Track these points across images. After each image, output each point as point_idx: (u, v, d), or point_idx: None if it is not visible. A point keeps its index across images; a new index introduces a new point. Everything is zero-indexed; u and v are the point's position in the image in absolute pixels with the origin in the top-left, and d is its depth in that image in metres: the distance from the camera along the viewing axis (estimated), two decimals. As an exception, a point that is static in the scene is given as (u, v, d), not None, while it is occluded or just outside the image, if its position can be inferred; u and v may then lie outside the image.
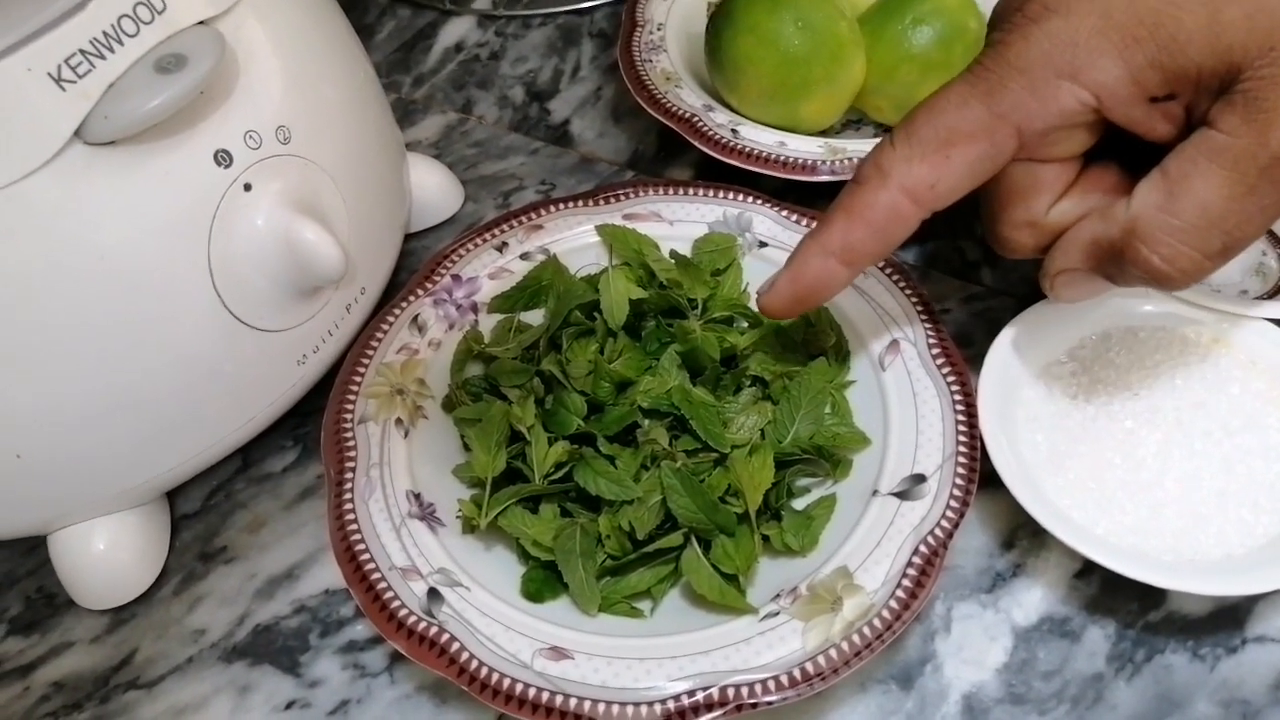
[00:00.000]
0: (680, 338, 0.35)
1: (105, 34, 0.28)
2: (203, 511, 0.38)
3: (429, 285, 0.39)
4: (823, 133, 0.43)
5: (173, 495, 0.38)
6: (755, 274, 0.39)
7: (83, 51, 0.28)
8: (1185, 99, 0.27)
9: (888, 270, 0.37)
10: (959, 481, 0.31)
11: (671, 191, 0.41)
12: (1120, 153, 0.30)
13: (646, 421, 0.34)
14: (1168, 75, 0.27)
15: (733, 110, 0.43)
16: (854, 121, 0.46)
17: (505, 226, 0.40)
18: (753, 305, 0.37)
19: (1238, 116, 0.26)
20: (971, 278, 0.42)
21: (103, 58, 0.28)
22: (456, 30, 0.55)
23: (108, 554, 0.35)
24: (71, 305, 0.29)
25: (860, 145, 0.40)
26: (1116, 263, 0.29)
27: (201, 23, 0.31)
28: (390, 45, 0.55)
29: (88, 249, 0.29)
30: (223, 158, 0.31)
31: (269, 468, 0.39)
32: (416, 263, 0.44)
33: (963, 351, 0.36)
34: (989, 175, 0.29)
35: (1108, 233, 0.29)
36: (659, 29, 0.46)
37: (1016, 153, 0.29)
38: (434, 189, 0.46)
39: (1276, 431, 0.33)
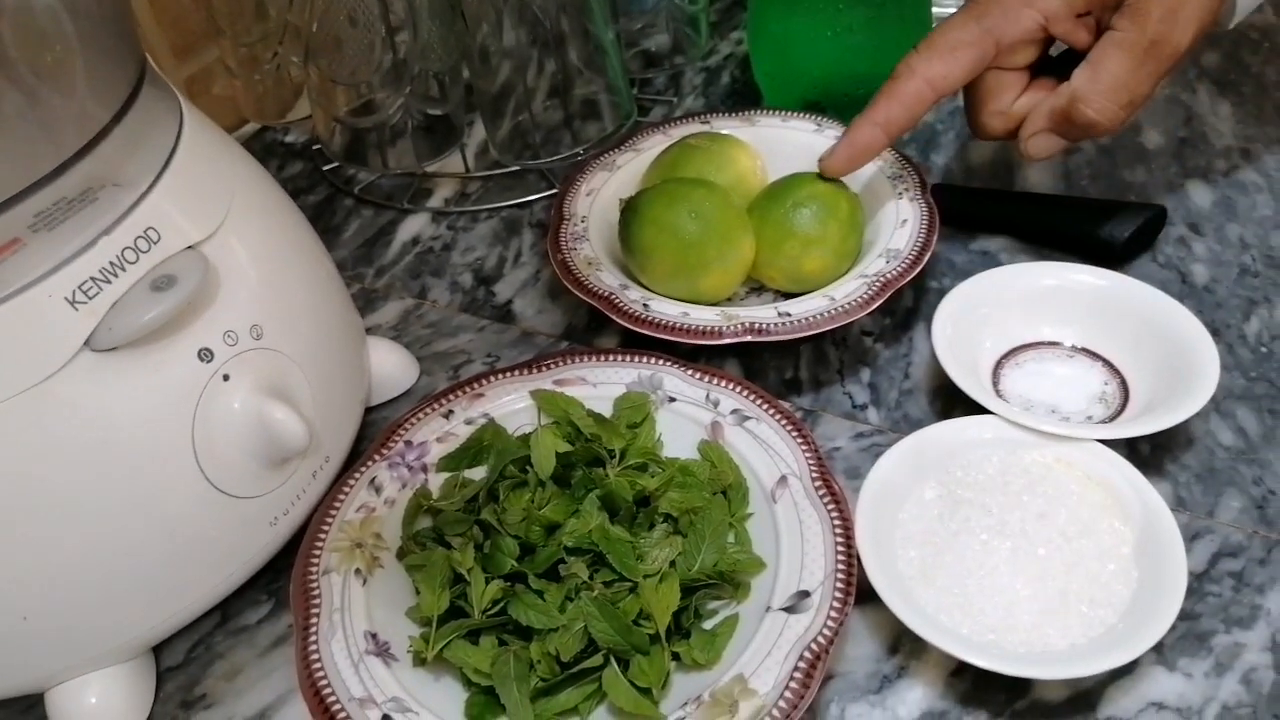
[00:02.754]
0: (599, 484, 0.41)
1: (112, 263, 0.35)
2: (185, 663, 0.42)
3: (384, 451, 0.44)
4: (726, 300, 0.50)
5: (158, 650, 0.42)
6: (666, 425, 0.45)
7: (93, 278, 0.35)
8: (1097, 14, 0.45)
9: (780, 419, 0.43)
10: (837, 595, 0.37)
11: (594, 359, 0.47)
12: (1051, 70, 0.48)
13: (571, 558, 0.39)
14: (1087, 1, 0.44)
15: (644, 287, 0.50)
16: (755, 289, 0.53)
17: (451, 396, 0.47)
18: (662, 454, 0.44)
19: (1126, 18, 0.43)
20: (859, 419, 0.48)
21: (109, 282, 0.35)
22: (413, 226, 0.63)
23: (99, 706, 0.39)
24: (77, 484, 0.35)
25: (751, 313, 0.47)
26: (1067, 121, 0.46)
27: (190, 246, 0.38)
28: (356, 241, 0.63)
29: (93, 436, 0.35)
30: (205, 354, 0.37)
31: (245, 620, 0.43)
32: (376, 431, 0.50)
33: (853, 482, 0.42)
34: (978, 72, 0.46)
35: (1059, 103, 0.46)
36: (582, 221, 0.54)
37: (995, 59, 0.46)
38: (392, 366, 0.52)
39: (1109, 536, 0.39)
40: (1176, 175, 0.58)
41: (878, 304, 0.47)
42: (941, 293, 0.52)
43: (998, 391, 0.47)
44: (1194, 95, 0.64)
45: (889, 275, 0.48)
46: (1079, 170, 0.60)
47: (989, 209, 0.56)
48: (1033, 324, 0.49)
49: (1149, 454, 0.44)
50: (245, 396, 0.38)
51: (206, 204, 0.40)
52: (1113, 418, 0.45)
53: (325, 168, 0.67)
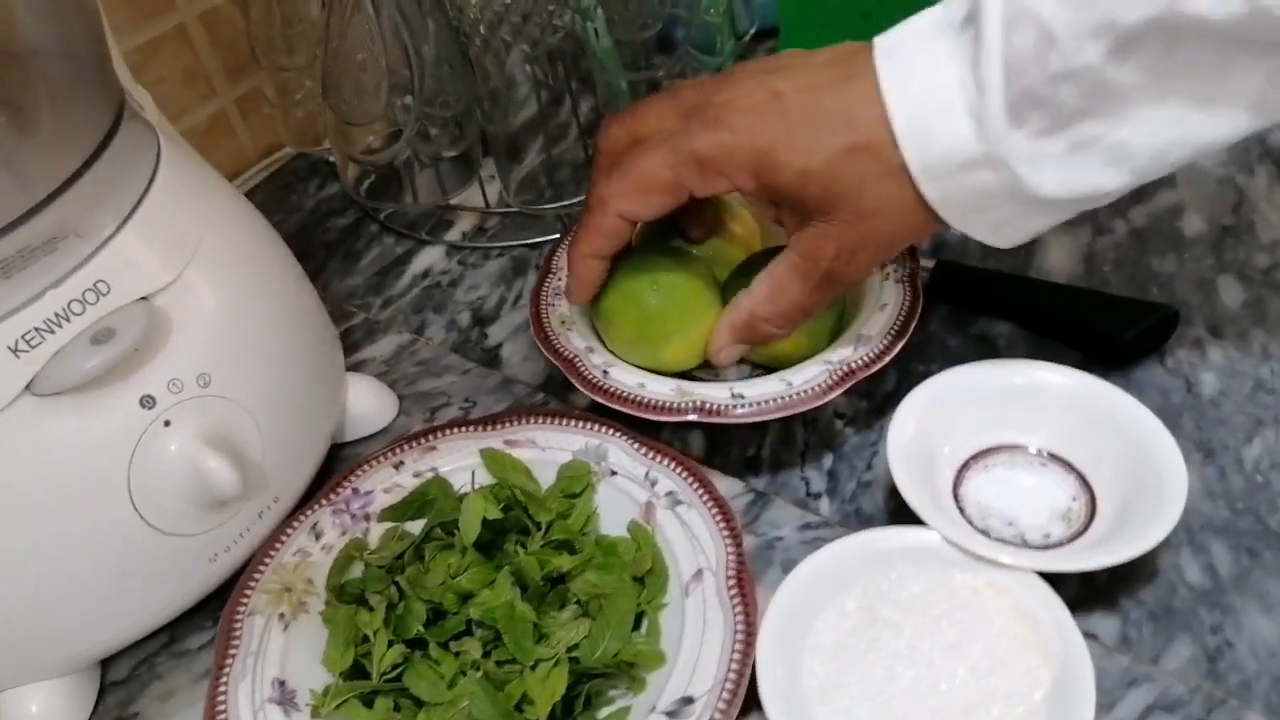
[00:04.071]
0: (513, 559, 0.41)
1: (57, 314, 0.37)
2: (127, 680, 0.45)
3: (331, 497, 0.46)
4: (687, 373, 0.50)
5: (106, 664, 0.45)
6: (605, 498, 0.45)
7: (37, 329, 0.37)
8: (786, 210, 0.44)
9: (711, 507, 0.43)
10: (720, 707, 0.36)
11: (547, 421, 0.48)
12: None
13: (477, 630, 0.40)
14: (774, 196, 0.42)
15: (610, 352, 0.50)
16: (734, 357, 0.52)
17: (404, 447, 0.48)
18: (590, 535, 0.44)
19: (802, 249, 0.43)
20: (810, 508, 0.47)
21: (52, 333, 0.37)
22: (428, 258, 0.65)
23: (39, 715, 0.42)
24: (18, 517, 0.38)
25: (706, 390, 0.46)
26: (750, 332, 0.46)
27: (143, 298, 0.40)
28: (372, 269, 0.65)
29: (33, 475, 0.38)
30: (147, 401, 0.40)
31: (188, 644, 0.46)
32: (344, 467, 0.52)
33: (787, 577, 0.41)
34: (670, 210, 0.44)
35: (739, 318, 0.46)
36: (567, 276, 0.54)
37: (686, 201, 0.44)
38: (370, 404, 0.54)
39: (1023, 677, 0.37)
40: (1210, 268, 0.54)
41: (835, 395, 0.45)
42: (926, 376, 0.51)
43: (957, 497, 0.45)
44: (1250, 178, 0.60)
45: (853, 364, 0.46)
46: (1103, 254, 0.56)
47: (994, 292, 0.54)
48: (1005, 426, 0.47)
49: (1104, 582, 0.42)
50: (183, 443, 0.40)
51: (169, 251, 0.42)
52: (1074, 537, 0.43)
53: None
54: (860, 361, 0.46)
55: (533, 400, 0.54)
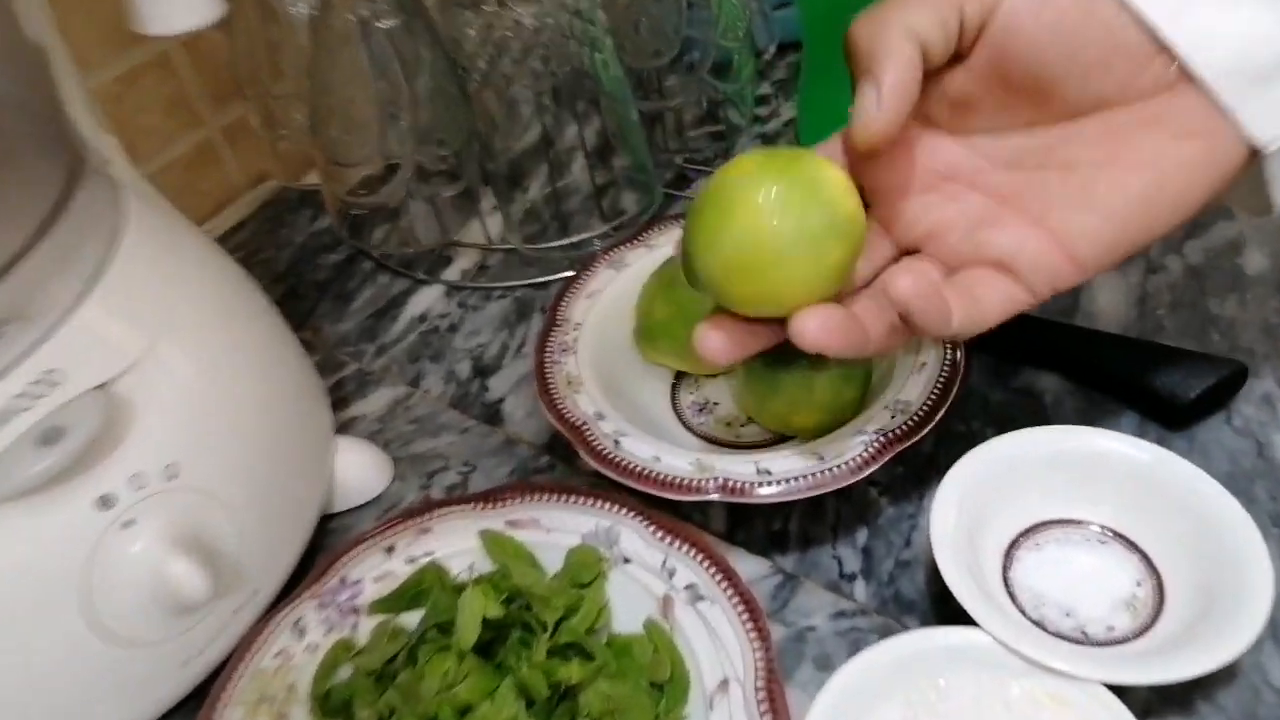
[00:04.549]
0: (517, 668, 0.37)
1: (1, 410, 0.33)
2: (97, 793, 0.41)
3: (317, 588, 0.42)
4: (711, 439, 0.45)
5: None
6: (618, 589, 0.41)
7: (-23, 428, 0.33)
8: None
9: (737, 603, 0.38)
10: None
11: (553, 498, 0.43)
12: None
13: (476, 751, 0.36)
14: None
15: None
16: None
17: (396, 528, 0.44)
18: (601, 632, 0.39)
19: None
20: (843, 592, 0.42)
21: (-5, 432, 0.33)
22: (425, 300, 0.60)
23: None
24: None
25: (730, 466, 0.42)
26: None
27: (100, 385, 0.36)
28: (365, 311, 0.60)
29: (-23, 586, 0.34)
30: (105, 501, 0.35)
31: (165, 750, 0.42)
32: (334, 543, 0.48)
33: (821, 674, 0.37)
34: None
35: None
36: (575, 329, 0.50)
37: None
38: (362, 470, 0.50)
39: (1093, 811, 0.33)
40: (1276, 312, 0.50)
41: (871, 470, 0.41)
42: (968, 439, 0.46)
43: (1007, 580, 0.41)
44: (1316, 208, 0.55)
45: (891, 435, 0.42)
46: (1157, 296, 0.52)
47: (1039, 342, 0.49)
48: (1058, 498, 0.42)
49: (1179, 685, 0.37)
50: (147, 545, 0.36)
51: (134, 326, 0.38)
52: (1141, 631, 0.38)
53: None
54: (899, 431, 0.42)
55: (537, 464, 0.50)
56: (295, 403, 0.45)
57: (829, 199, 0.35)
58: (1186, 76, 0.32)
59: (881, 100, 0.34)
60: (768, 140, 0.67)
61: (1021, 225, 0.35)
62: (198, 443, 0.38)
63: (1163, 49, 0.31)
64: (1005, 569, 0.41)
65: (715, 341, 0.37)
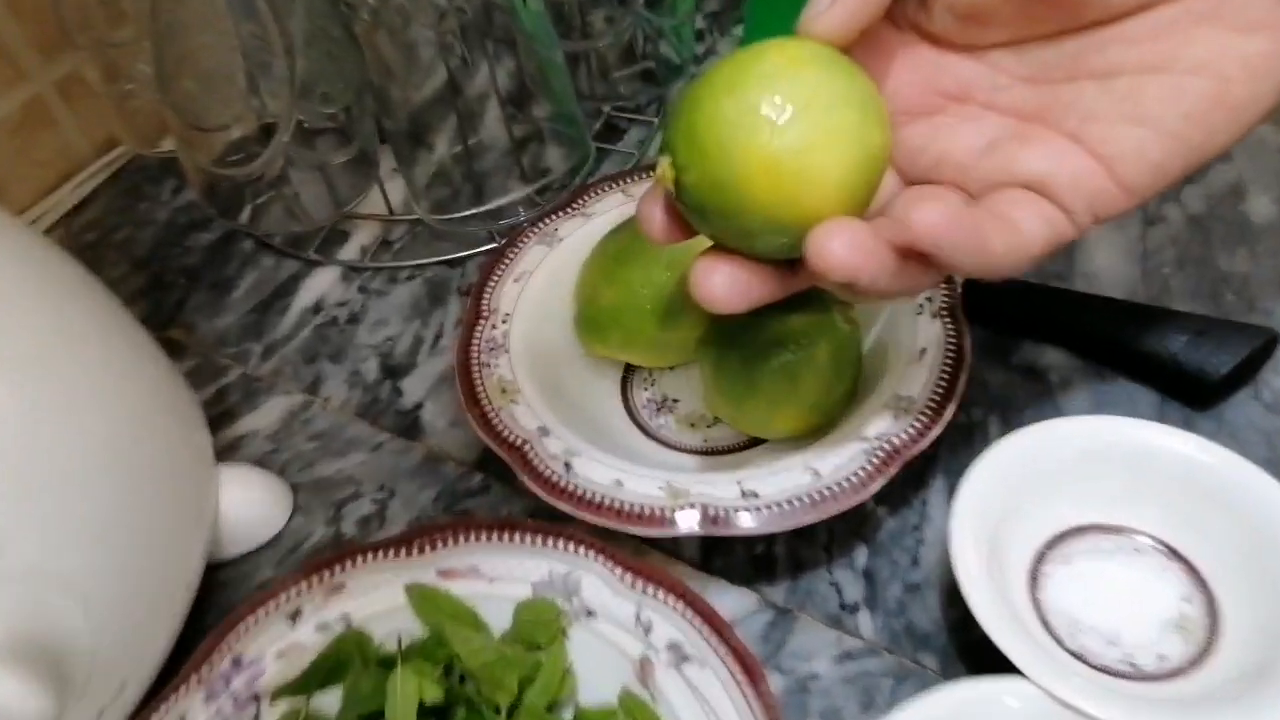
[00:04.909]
0: (467, 773, 0.30)
1: None
2: None
3: (204, 672, 0.33)
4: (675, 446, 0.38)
5: None
6: (582, 650, 0.33)
7: None
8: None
9: (730, 660, 0.32)
10: None
11: (494, 538, 0.35)
12: None
13: None
14: None
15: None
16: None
17: (301, 587, 0.35)
18: (565, 711, 0.32)
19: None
20: (847, 626, 0.36)
21: None
22: (319, 285, 0.51)
23: None
24: None
25: (708, 489, 0.35)
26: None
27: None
28: (246, 304, 0.51)
29: None
30: (-104, 609, 0.26)
31: None
32: (226, 598, 0.39)
33: None
34: None
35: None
36: (505, 320, 0.41)
37: None
38: (255, 505, 0.41)
39: None
40: (1292, 265, 0.45)
41: (879, 485, 0.34)
42: (968, 429, 0.40)
43: (1036, 601, 0.35)
44: (1318, 145, 0.50)
45: (897, 441, 0.35)
46: (1159, 251, 0.46)
47: (1039, 312, 0.43)
48: (1088, 501, 0.36)
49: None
50: (-38, 659, 0.27)
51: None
52: (1197, 659, 0.33)
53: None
54: (906, 436, 0.35)
55: (468, 485, 0.42)
56: (159, 432, 0.36)
57: (861, 76, 0.28)
58: None
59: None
60: (706, 82, 0.59)
61: (1056, 140, 0.29)
62: (21, 509, 0.29)
63: None
64: (1033, 589, 0.35)
65: (722, 281, 0.29)
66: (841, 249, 0.27)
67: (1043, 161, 0.29)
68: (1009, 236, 0.29)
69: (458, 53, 0.44)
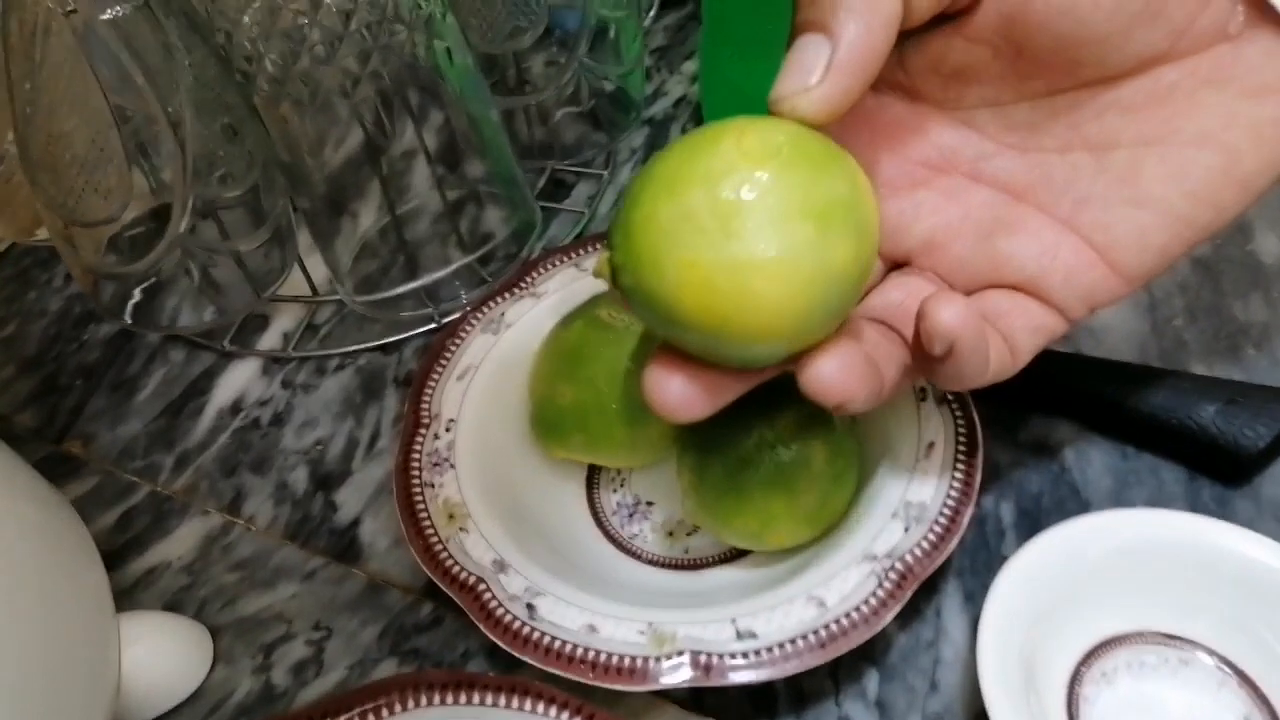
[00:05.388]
0: None
1: None
2: None
3: None
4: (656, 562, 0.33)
5: None
6: (559, 837, 0.28)
7: None
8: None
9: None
10: None
11: (449, 699, 0.30)
12: None
13: None
14: None
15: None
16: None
17: (222, 776, 0.29)
18: None
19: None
20: (864, 772, 0.31)
21: None
22: (236, 380, 0.45)
23: None
24: None
25: (696, 629, 0.30)
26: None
27: None
28: (153, 408, 0.45)
29: None
30: None
31: None
32: (136, 780, 0.33)
33: None
34: None
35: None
36: (448, 428, 0.36)
37: None
38: (168, 659, 0.35)
39: None
40: (1311, 311, 0.41)
41: (892, 613, 0.30)
42: (979, 521, 0.36)
43: (1076, 731, 0.30)
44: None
45: (910, 559, 0.30)
46: (1168, 300, 0.42)
47: (1047, 379, 0.39)
48: (1126, 608, 0.32)
49: None
50: None
51: None
52: (1261, 792, 0.29)
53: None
54: (920, 552, 0.30)
55: (416, 619, 0.36)
56: (40, 583, 0.30)
57: (838, 170, 0.23)
58: (1262, 13, 0.24)
59: (832, 66, 0.23)
60: (657, 128, 0.54)
61: (1047, 228, 0.27)
62: None
63: None
64: (1072, 716, 0.31)
65: (676, 390, 0.25)
66: (834, 376, 0.25)
67: (1033, 259, 0.27)
68: (1000, 350, 0.27)
69: (374, 116, 0.38)
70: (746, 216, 0.22)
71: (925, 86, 0.28)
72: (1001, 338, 0.27)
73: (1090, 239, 0.27)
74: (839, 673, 0.33)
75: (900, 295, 0.28)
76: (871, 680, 0.33)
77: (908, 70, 0.28)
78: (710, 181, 0.22)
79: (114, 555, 0.39)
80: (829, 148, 0.24)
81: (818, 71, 0.23)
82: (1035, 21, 0.25)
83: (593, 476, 0.39)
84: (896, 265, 0.30)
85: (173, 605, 0.38)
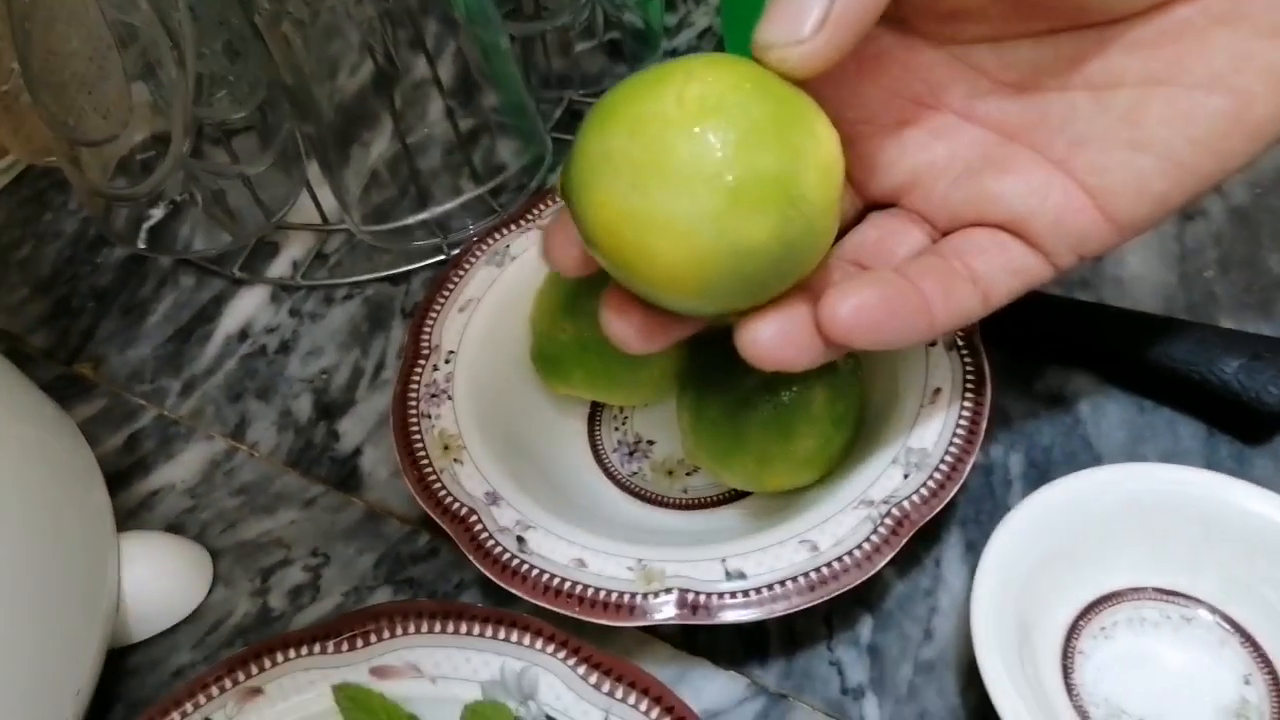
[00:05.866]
0: None
1: None
2: None
3: (91, 809, 0.28)
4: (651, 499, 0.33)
5: None
6: (541, 767, 0.28)
7: None
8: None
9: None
10: None
11: (438, 627, 0.30)
12: None
13: None
14: None
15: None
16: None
17: (210, 690, 0.30)
18: None
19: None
20: (850, 715, 0.31)
21: None
22: (245, 307, 0.45)
23: None
24: None
25: (686, 567, 0.29)
26: None
27: None
28: (163, 332, 0.45)
29: None
30: None
31: None
32: (136, 689, 0.34)
33: None
34: None
35: None
36: (448, 359, 0.36)
37: None
38: (167, 579, 0.35)
39: None
40: (1349, 266, 0.39)
41: (886, 558, 0.29)
42: (987, 470, 0.35)
43: (1070, 686, 0.30)
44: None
45: (908, 505, 0.30)
46: (1200, 253, 0.40)
47: (1066, 329, 0.37)
48: (1129, 563, 0.31)
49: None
50: None
51: None
52: (1260, 753, 0.28)
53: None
54: (918, 498, 0.30)
55: (413, 548, 0.36)
56: (42, 500, 0.31)
57: (788, 132, 0.22)
58: None
59: (830, 17, 0.22)
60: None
61: (1039, 169, 0.26)
62: None
63: None
64: (1067, 671, 0.30)
65: (623, 329, 0.25)
66: (771, 341, 0.24)
67: (1022, 199, 0.26)
68: (964, 299, 0.26)
69: (384, 42, 0.37)
70: (656, 171, 0.21)
71: (919, 19, 0.26)
72: (971, 280, 0.26)
73: (1084, 182, 0.25)
74: (833, 618, 0.33)
75: (876, 234, 0.28)
76: (866, 626, 0.33)
77: (901, 3, 0.26)
78: (636, 126, 0.21)
79: (120, 476, 0.40)
80: (786, 110, 0.22)
81: (811, 20, 0.22)
82: None
83: (595, 413, 0.38)
84: (878, 205, 0.29)
85: (175, 527, 0.38)
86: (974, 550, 0.33)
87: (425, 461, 0.33)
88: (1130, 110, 0.24)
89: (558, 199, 0.39)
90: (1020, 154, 0.26)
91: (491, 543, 0.31)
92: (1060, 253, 0.26)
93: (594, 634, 0.30)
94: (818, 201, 0.22)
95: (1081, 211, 0.25)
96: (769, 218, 0.21)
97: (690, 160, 0.21)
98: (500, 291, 0.38)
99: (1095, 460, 0.35)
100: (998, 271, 0.26)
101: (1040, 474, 0.35)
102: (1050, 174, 0.25)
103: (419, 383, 0.35)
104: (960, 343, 0.33)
